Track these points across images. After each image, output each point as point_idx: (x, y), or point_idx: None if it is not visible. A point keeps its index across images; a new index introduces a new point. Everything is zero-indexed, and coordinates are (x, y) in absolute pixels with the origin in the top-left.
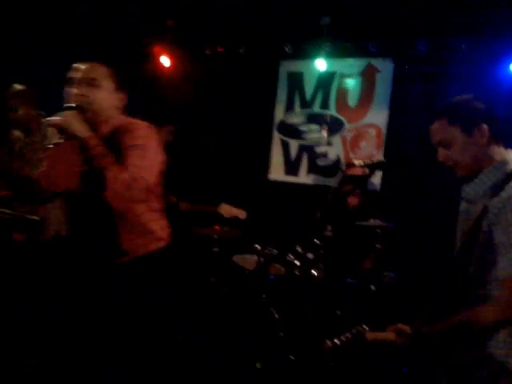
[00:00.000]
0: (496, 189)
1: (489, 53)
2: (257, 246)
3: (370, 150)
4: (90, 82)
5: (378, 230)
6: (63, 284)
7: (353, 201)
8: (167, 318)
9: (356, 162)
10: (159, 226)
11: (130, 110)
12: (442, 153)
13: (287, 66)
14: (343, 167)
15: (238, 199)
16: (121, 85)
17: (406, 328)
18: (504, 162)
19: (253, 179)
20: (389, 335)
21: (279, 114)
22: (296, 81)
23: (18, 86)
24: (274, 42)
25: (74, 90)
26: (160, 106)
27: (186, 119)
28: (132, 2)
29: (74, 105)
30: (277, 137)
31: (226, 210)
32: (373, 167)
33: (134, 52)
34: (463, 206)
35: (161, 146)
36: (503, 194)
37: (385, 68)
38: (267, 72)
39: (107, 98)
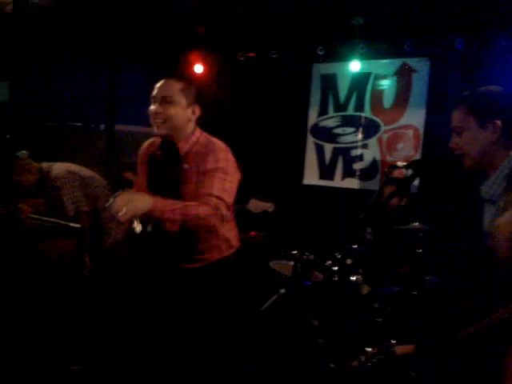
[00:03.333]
0: (510, 181)
1: None
2: (294, 251)
3: (408, 151)
4: (165, 99)
5: (420, 234)
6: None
7: (394, 202)
8: (234, 321)
9: (399, 163)
10: (233, 235)
11: None
12: (454, 139)
13: (320, 69)
14: (386, 170)
15: (271, 202)
16: (194, 98)
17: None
18: None
19: (287, 184)
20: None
21: (313, 117)
22: (329, 83)
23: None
24: (306, 45)
25: (151, 108)
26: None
27: (220, 125)
28: (163, 10)
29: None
30: (311, 140)
31: (255, 205)
32: (416, 167)
33: (167, 59)
34: (486, 205)
35: (237, 165)
36: None
37: (421, 67)
38: (300, 75)
39: (182, 113)
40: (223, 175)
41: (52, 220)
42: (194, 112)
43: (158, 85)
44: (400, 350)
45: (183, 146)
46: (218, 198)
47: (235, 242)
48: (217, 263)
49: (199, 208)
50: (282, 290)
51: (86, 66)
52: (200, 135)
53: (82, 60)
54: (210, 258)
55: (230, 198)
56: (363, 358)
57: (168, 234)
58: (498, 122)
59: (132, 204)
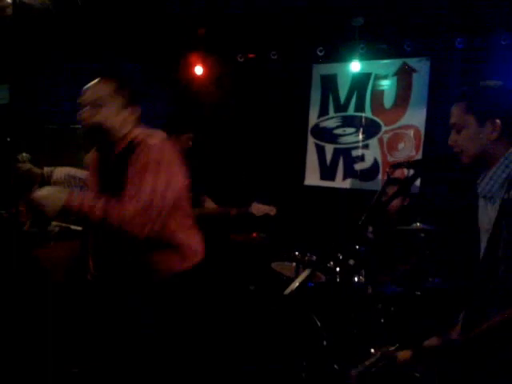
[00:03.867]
0: (511, 183)
1: None
2: (296, 252)
3: (409, 151)
4: (95, 103)
5: (422, 234)
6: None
7: (397, 203)
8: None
9: (400, 163)
10: (190, 243)
11: (163, 118)
12: (452, 136)
13: (320, 69)
14: (388, 169)
15: (273, 205)
16: (131, 97)
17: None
18: None
19: (288, 185)
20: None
21: (313, 118)
22: (329, 84)
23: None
24: (306, 46)
25: (81, 113)
26: (193, 113)
27: (220, 126)
28: (163, 12)
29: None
30: (311, 141)
31: (257, 208)
32: (417, 166)
33: (167, 61)
34: (481, 202)
35: (177, 162)
36: None
37: (421, 68)
38: (300, 76)
39: (116, 114)
40: (153, 175)
41: (54, 223)
42: (131, 112)
43: (87, 87)
44: (402, 355)
45: (119, 146)
46: (144, 200)
47: (193, 252)
48: (174, 277)
49: (123, 207)
50: (307, 272)
51: (85, 67)
52: (138, 134)
53: (82, 61)
54: (166, 271)
55: (162, 201)
56: (362, 368)
57: (119, 248)
58: (498, 121)
59: (45, 203)
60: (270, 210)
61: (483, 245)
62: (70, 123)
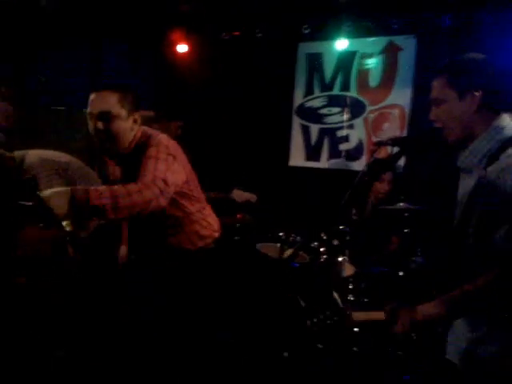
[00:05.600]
0: (491, 157)
1: None
2: (281, 233)
3: (394, 131)
4: (103, 115)
5: (406, 214)
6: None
7: (383, 187)
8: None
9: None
10: (202, 226)
11: (148, 95)
12: (433, 111)
13: (306, 48)
14: (372, 147)
15: (257, 187)
16: (133, 105)
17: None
18: (499, 129)
19: (273, 166)
20: (378, 315)
21: (298, 97)
22: (315, 62)
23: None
24: (291, 24)
25: (90, 125)
26: (177, 92)
27: (204, 105)
28: None
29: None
30: (296, 121)
31: (238, 194)
32: (402, 144)
33: (150, 38)
34: (461, 176)
35: (178, 152)
36: (498, 164)
37: (407, 46)
38: (285, 55)
39: (124, 125)
40: (154, 160)
41: (28, 204)
42: (135, 121)
43: (92, 99)
44: (357, 316)
45: (125, 151)
46: (147, 177)
47: (206, 232)
48: (189, 254)
49: (127, 187)
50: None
51: (68, 46)
52: (141, 136)
53: (65, 41)
54: (181, 248)
55: (165, 175)
56: (316, 320)
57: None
58: (477, 94)
59: (52, 204)
60: (251, 198)
61: (457, 216)
62: (53, 105)
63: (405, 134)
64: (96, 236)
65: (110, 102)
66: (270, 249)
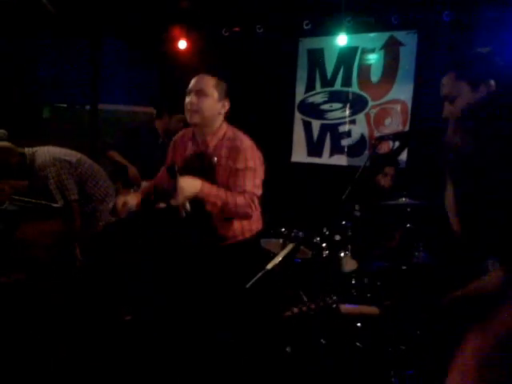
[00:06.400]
0: None
1: None
2: (283, 229)
3: (396, 126)
4: (199, 92)
5: (408, 209)
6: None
7: (386, 182)
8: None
9: (385, 135)
10: (254, 219)
11: (148, 91)
12: (446, 108)
13: (307, 44)
14: (373, 142)
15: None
16: (225, 93)
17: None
18: None
19: (275, 162)
20: (370, 309)
21: (300, 93)
22: (316, 58)
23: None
24: (292, 19)
25: (186, 99)
26: (177, 89)
27: None
28: None
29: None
30: (298, 117)
31: None
32: (403, 138)
33: (150, 35)
34: None
35: (261, 156)
36: None
37: (408, 41)
38: (286, 50)
39: (214, 105)
40: (253, 173)
41: (34, 201)
42: (224, 106)
43: (194, 79)
44: (345, 309)
45: (211, 141)
46: (250, 193)
47: (256, 225)
48: (239, 244)
49: (237, 198)
50: (269, 267)
51: (67, 44)
52: (227, 129)
53: (64, 39)
54: (232, 238)
55: (259, 191)
56: (304, 308)
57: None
58: (492, 82)
59: (185, 188)
60: None
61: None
62: (55, 102)
63: (407, 128)
64: (101, 239)
65: (208, 83)
66: (272, 245)
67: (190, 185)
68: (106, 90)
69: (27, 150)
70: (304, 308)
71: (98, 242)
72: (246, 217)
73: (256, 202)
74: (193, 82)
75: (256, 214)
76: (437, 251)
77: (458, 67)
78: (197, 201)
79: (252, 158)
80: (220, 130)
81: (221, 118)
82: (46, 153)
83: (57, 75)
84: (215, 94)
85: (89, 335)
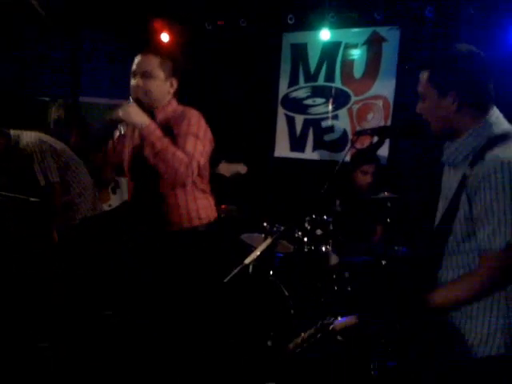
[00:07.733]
0: (476, 155)
1: (499, 17)
2: (265, 224)
3: (378, 122)
4: (144, 74)
5: (389, 203)
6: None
7: (366, 179)
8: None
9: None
10: (202, 205)
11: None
12: (419, 105)
13: (290, 38)
14: (352, 137)
15: (242, 177)
16: (171, 71)
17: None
18: (487, 126)
19: (258, 156)
20: (351, 320)
21: (283, 88)
22: (300, 53)
23: None
24: (276, 14)
25: (132, 82)
26: None
27: (187, 95)
28: None
29: (131, 99)
30: (281, 112)
31: (226, 168)
32: (382, 133)
33: (132, 27)
34: (445, 169)
35: (209, 131)
36: (482, 166)
37: (391, 36)
38: (270, 45)
39: (160, 86)
40: (195, 138)
41: (11, 195)
42: (171, 84)
43: (137, 60)
44: (338, 325)
45: (158, 114)
46: (190, 154)
47: (204, 213)
48: (186, 231)
49: (177, 151)
50: (246, 261)
51: (48, 36)
52: (176, 106)
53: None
54: (178, 224)
55: (202, 159)
56: (299, 340)
57: (143, 200)
58: (457, 93)
59: (129, 111)
60: (242, 169)
61: (440, 210)
62: (37, 95)
63: (389, 124)
64: (80, 229)
65: (152, 64)
66: (254, 239)
67: (139, 113)
68: (87, 84)
69: (13, 132)
70: (305, 336)
71: (74, 235)
72: (180, 178)
73: (194, 166)
74: (136, 61)
75: (207, 201)
76: (416, 247)
77: (431, 69)
78: (147, 183)
79: (196, 124)
80: (169, 105)
81: (169, 96)
82: (32, 134)
83: (36, 68)
84: (161, 75)
85: (66, 328)
